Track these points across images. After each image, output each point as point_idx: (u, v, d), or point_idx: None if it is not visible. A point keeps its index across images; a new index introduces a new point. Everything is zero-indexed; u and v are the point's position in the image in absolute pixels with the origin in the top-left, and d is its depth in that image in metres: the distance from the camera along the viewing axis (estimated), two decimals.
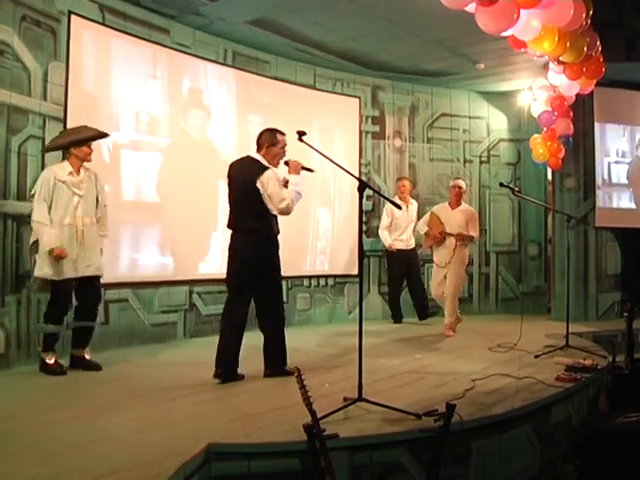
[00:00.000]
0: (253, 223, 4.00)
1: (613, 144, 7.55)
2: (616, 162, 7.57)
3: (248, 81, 6.47)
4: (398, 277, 7.15)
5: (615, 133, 7.56)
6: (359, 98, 7.49)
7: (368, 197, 7.28)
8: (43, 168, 4.43)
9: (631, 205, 7.66)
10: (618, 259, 7.56)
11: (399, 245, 7.06)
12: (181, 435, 2.81)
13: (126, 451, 2.60)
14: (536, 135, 7.05)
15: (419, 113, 7.90)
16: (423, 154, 7.93)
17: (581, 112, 7.13)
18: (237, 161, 4.23)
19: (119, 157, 5.28)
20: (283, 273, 4.23)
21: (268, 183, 3.93)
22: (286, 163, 4.11)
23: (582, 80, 5.71)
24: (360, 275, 3.56)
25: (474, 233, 6.01)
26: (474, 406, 3.35)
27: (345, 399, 3.26)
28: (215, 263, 6.10)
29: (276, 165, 4.09)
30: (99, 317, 4.96)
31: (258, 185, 3.93)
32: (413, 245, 7.10)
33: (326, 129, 7.12)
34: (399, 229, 7.06)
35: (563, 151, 6.87)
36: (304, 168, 4.12)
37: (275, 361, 4.10)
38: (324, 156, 3.60)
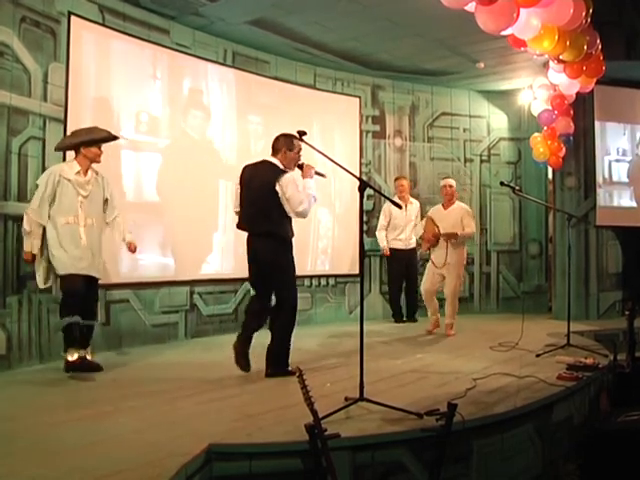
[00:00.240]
0: (270, 226, 4.07)
1: (613, 142, 7.55)
2: (617, 160, 7.57)
3: (248, 81, 6.47)
4: (397, 277, 7.16)
5: (615, 131, 7.56)
6: (359, 98, 7.49)
7: (369, 197, 7.28)
8: (44, 169, 4.43)
9: (632, 204, 7.66)
10: (619, 258, 7.56)
11: (397, 245, 7.07)
12: (182, 435, 2.81)
13: (127, 451, 2.59)
14: (536, 134, 7.04)
15: (419, 112, 7.90)
16: (423, 153, 7.93)
17: (581, 111, 7.12)
18: (253, 165, 4.27)
19: (120, 157, 5.28)
20: None
21: (287, 186, 4.00)
22: (300, 167, 4.17)
23: (582, 79, 5.71)
24: (361, 275, 3.56)
25: (469, 229, 6.00)
26: (476, 405, 3.34)
27: (346, 399, 3.26)
28: (216, 263, 6.11)
29: (292, 169, 4.17)
30: (99, 317, 4.98)
31: (277, 188, 4.00)
32: (413, 245, 7.09)
33: (326, 129, 7.13)
34: (397, 229, 7.06)
35: (563, 150, 6.87)
36: (317, 173, 4.20)
37: (277, 361, 4.11)
38: (325, 156, 3.60)
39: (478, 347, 5.35)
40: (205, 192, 5.99)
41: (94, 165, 4.29)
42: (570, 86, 6.07)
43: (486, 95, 8.18)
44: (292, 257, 4.20)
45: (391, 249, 7.11)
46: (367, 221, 7.42)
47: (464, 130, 8.12)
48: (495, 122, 8.26)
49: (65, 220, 4.12)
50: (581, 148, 7.28)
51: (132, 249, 4.47)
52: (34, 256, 4.12)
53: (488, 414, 3.23)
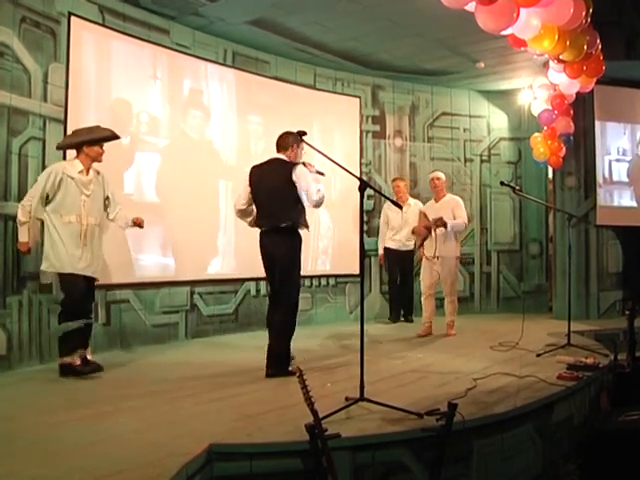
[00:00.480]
0: (293, 216, 4.11)
1: (614, 142, 7.55)
2: (617, 160, 7.57)
3: (248, 81, 6.47)
4: (393, 276, 7.20)
5: (616, 131, 7.56)
6: (359, 98, 7.49)
7: (369, 197, 7.28)
8: (44, 169, 4.42)
9: (632, 203, 7.66)
10: (619, 257, 7.55)
11: (391, 245, 7.08)
12: (183, 435, 2.81)
13: (128, 451, 2.59)
14: (537, 134, 7.04)
15: (419, 112, 7.90)
16: (424, 153, 7.93)
17: (581, 110, 7.12)
18: (262, 164, 4.29)
19: (120, 157, 5.27)
20: None
21: (302, 177, 4.08)
22: (302, 164, 4.20)
23: (582, 78, 5.71)
24: (361, 275, 3.56)
25: (460, 220, 5.97)
26: (476, 405, 3.34)
27: (347, 399, 3.26)
28: (216, 263, 6.11)
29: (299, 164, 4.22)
30: (100, 318, 4.98)
31: (294, 177, 4.06)
32: (410, 247, 6.98)
33: (326, 129, 7.13)
34: (393, 230, 7.07)
35: (564, 149, 6.87)
36: (317, 172, 4.27)
37: (278, 361, 4.11)
38: (325, 156, 3.61)
39: (478, 347, 5.35)
40: (205, 192, 5.99)
41: (95, 164, 4.29)
42: (570, 86, 6.07)
43: (486, 95, 8.18)
44: (301, 255, 4.23)
45: (386, 248, 7.12)
46: (367, 221, 7.42)
47: (464, 130, 8.12)
48: (495, 122, 8.26)
49: (67, 219, 4.11)
50: (581, 148, 7.28)
51: (139, 223, 4.45)
52: (29, 248, 4.11)
53: (488, 414, 3.23)
